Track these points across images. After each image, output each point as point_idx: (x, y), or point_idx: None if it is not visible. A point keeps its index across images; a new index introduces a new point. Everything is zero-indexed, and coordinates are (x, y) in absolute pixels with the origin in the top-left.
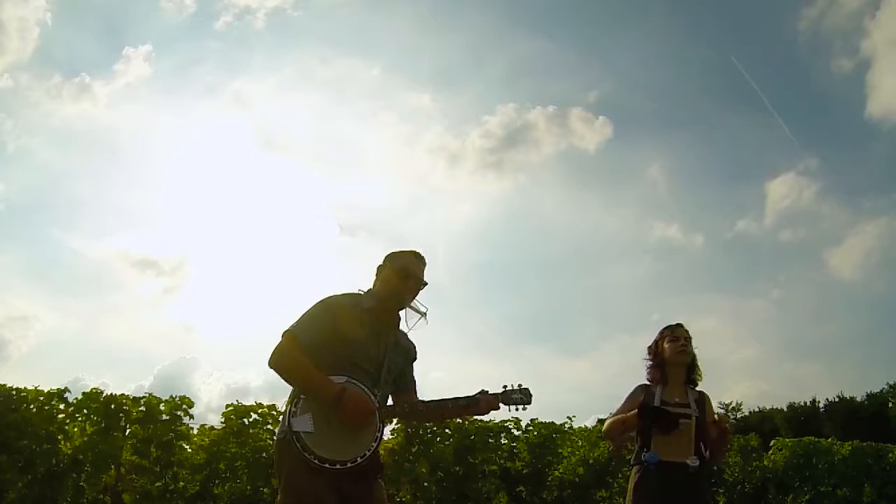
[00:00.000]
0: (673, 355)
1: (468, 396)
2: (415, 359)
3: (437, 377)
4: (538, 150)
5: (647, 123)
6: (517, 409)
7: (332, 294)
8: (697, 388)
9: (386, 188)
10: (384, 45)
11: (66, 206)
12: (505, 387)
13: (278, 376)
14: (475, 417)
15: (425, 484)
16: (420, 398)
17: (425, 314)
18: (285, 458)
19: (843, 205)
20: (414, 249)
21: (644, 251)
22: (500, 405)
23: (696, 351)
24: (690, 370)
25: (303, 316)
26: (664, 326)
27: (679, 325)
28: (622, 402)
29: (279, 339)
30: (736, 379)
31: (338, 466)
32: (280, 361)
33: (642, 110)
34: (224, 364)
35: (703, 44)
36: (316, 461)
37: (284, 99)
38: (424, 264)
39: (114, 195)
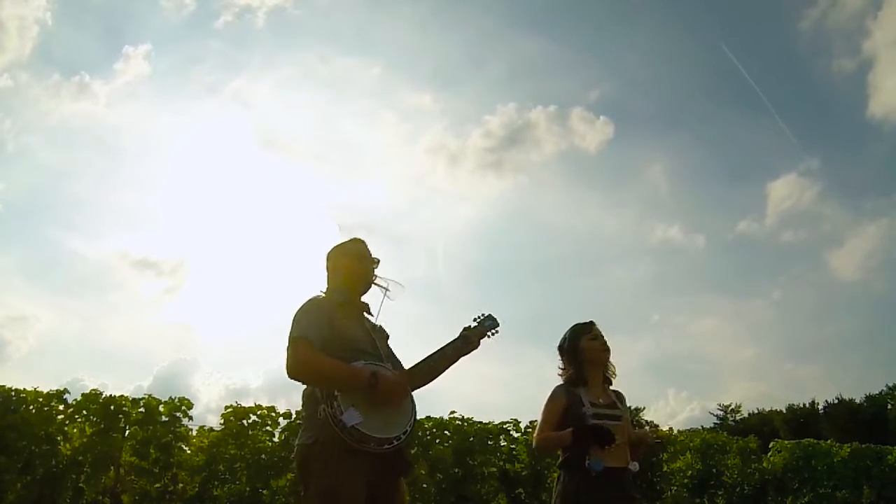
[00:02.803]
0: (596, 354)
1: (458, 337)
2: (388, 336)
3: None
4: (539, 150)
5: (649, 124)
6: (492, 335)
7: (310, 298)
8: (612, 387)
9: (386, 188)
10: (384, 45)
11: (65, 205)
12: (475, 319)
13: (301, 382)
14: (475, 419)
15: (424, 486)
16: (416, 363)
17: (388, 287)
18: (313, 463)
19: (845, 206)
20: (353, 237)
21: (645, 252)
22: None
23: (687, 351)
24: (605, 368)
25: (299, 321)
26: (576, 324)
27: (593, 323)
28: (544, 407)
29: (286, 349)
30: (735, 380)
31: (394, 442)
32: (300, 366)
33: (643, 110)
34: (223, 365)
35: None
36: (375, 445)
37: (284, 98)
38: (366, 244)
39: (113, 195)
